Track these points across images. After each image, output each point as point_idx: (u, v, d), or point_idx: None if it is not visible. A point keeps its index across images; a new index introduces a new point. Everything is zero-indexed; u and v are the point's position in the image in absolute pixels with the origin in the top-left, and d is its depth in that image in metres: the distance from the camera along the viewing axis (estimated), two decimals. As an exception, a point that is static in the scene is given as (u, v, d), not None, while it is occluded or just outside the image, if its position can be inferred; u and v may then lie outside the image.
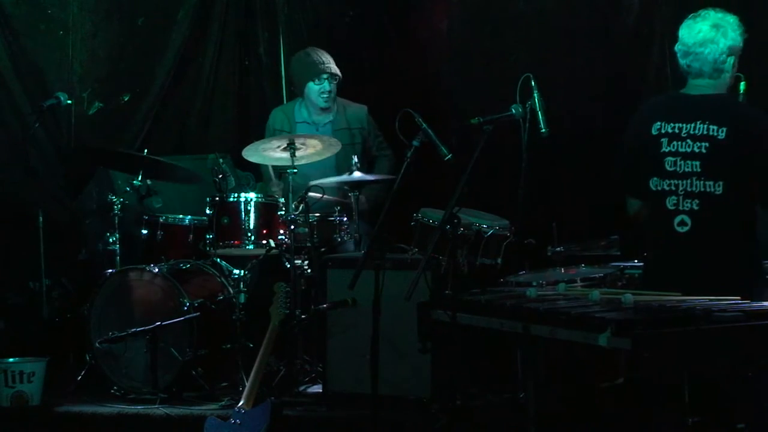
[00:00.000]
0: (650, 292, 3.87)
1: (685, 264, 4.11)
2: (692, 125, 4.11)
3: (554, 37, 6.55)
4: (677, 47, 4.25)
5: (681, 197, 4.09)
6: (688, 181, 4.09)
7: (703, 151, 4.08)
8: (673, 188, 4.11)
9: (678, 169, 4.10)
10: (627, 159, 4.28)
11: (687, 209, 4.09)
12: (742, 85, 4.76)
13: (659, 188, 4.13)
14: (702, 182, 4.08)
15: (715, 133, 4.08)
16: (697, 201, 4.08)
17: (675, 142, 4.11)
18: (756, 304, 3.61)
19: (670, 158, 4.11)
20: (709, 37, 4.16)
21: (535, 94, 4.59)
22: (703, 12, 4.24)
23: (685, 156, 4.10)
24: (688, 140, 4.10)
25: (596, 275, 5.18)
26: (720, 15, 4.22)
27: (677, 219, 4.10)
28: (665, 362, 3.29)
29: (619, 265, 5.29)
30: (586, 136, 6.26)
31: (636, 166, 4.23)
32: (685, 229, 4.09)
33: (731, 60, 4.22)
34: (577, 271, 5.42)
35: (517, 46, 6.61)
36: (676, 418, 3.78)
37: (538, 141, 4.62)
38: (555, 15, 6.55)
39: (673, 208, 4.11)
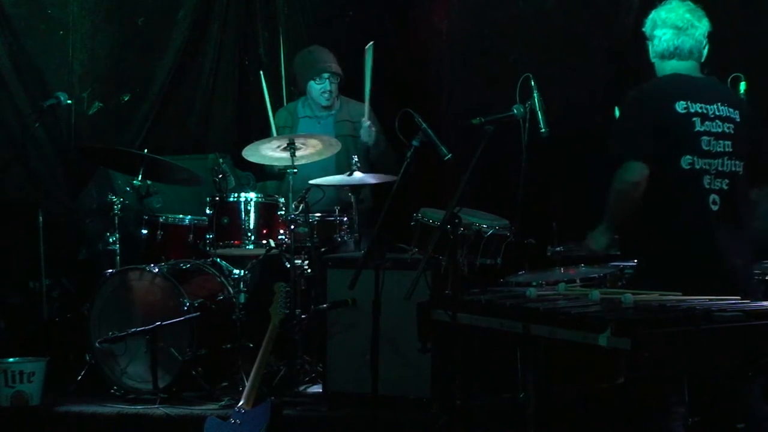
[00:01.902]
0: (650, 292, 3.87)
1: (714, 241, 4.13)
2: (715, 106, 4.18)
3: (554, 37, 6.55)
4: (660, 31, 4.27)
5: (713, 176, 4.14)
6: (719, 160, 4.15)
7: (731, 131, 4.17)
8: (707, 167, 4.14)
9: (712, 148, 4.15)
10: (641, 127, 4.14)
11: (717, 188, 4.14)
12: (742, 85, 4.80)
13: (696, 167, 4.13)
14: (732, 162, 4.16)
15: (734, 115, 4.20)
16: (726, 180, 4.15)
17: (707, 122, 4.16)
18: (756, 304, 3.61)
19: (705, 137, 4.14)
20: (694, 18, 4.26)
21: (535, 94, 4.60)
22: (671, 0, 4.32)
23: (718, 136, 4.16)
24: (717, 121, 4.17)
25: (596, 275, 5.18)
26: (688, 2, 4.31)
27: (710, 198, 4.14)
28: (665, 362, 3.29)
29: (619, 265, 5.29)
30: (586, 136, 6.25)
31: (653, 136, 4.14)
32: (716, 207, 4.14)
33: (707, 45, 4.31)
34: (577, 271, 5.42)
35: (517, 46, 6.61)
36: (676, 418, 3.79)
37: (538, 141, 4.62)
38: (555, 15, 6.55)
39: (708, 186, 4.14)
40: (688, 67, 4.26)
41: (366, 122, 6.15)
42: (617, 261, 5.42)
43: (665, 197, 4.16)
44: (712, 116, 4.16)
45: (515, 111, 4.53)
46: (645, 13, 4.37)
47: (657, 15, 4.31)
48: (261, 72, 6.59)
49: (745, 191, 4.21)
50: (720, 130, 4.16)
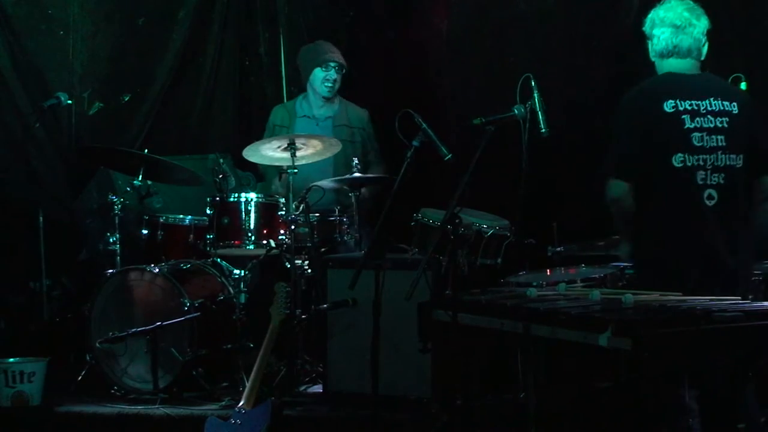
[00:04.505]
0: (650, 292, 3.88)
1: (712, 236, 4.14)
2: (707, 102, 4.18)
3: (554, 37, 6.56)
4: (659, 30, 4.30)
5: (708, 172, 4.14)
6: (714, 155, 4.15)
7: (725, 125, 4.17)
8: (701, 163, 4.14)
9: (705, 144, 4.15)
10: (627, 140, 4.21)
11: (714, 183, 4.14)
12: (743, 85, 4.80)
13: (688, 164, 4.13)
14: (727, 156, 4.16)
15: (730, 108, 4.20)
16: (723, 175, 4.15)
17: (698, 118, 4.16)
18: (756, 304, 3.62)
19: (696, 134, 4.14)
20: (693, 16, 4.28)
21: (536, 95, 4.60)
22: (669, 0, 4.34)
23: (710, 131, 4.16)
24: (709, 116, 4.17)
25: (597, 275, 5.18)
26: (687, 1, 4.33)
27: (705, 193, 4.14)
28: (665, 362, 3.29)
29: (620, 265, 5.29)
30: (586, 136, 6.26)
31: (640, 146, 4.17)
32: (713, 202, 4.14)
33: (706, 43, 4.32)
34: (578, 271, 5.42)
35: (517, 46, 6.61)
36: (676, 418, 3.79)
37: (538, 141, 4.62)
38: (555, 15, 6.55)
39: (701, 182, 4.14)
40: (685, 66, 4.27)
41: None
42: (617, 261, 5.42)
43: (660, 197, 4.17)
44: (704, 112, 4.16)
45: (516, 111, 4.53)
46: (645, 13, 4.39)
47: (656, 14, 4.33)
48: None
49: (745, 185, 4.21)
50: (712, 125, 4.16)
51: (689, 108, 4.16)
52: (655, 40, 4.31)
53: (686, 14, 4.27)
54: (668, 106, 4.16)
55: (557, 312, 3.53)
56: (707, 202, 4.13)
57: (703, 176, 4.13)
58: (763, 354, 3.45)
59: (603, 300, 3.74)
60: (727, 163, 4.15)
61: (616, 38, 6.39)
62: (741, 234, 4.18)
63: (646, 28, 4.36)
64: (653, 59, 4.36)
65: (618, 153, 4.24)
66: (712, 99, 4.19)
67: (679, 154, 4.13)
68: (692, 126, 4.14)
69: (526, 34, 6.61)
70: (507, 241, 5.18)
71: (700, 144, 4.14)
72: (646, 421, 3.97)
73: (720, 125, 4.16)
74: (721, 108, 4.19)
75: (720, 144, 4.15)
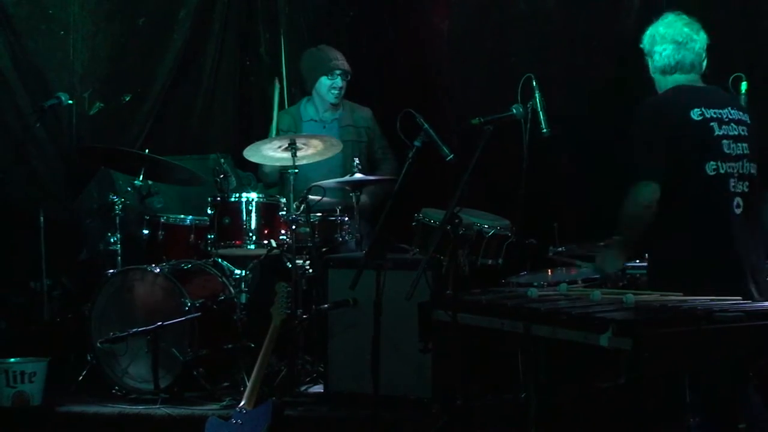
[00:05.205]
0: (651, 292, 3.88)
1: (740, 244, 4.13)
2: (727, 110, 4.18)
3: (554, 38, 6.56)
4: (660, 46, 4.27)
5: (736, 179, 4.14)
6: (740, 163, 4.15)
7: (745, 134, 4.18)
8: (731, 171, 4.13)
9: (732, 152, 4.14)
10: (655, 145, 4.11)
11: (740, 191, 4.14)
12: (744, 85, 4.80)
13: (720, 171, 4.11)
14: (750, 164, 4.17)
15: (744, 118, 4.21)
16: (746, 183, 4.15)
17: (724, 126, 4.15)
18: (757, 304, 3.62)
19: (725, 141, 4.13)
20: (693, 31, 4.27)
21: (537, 95, 4.61)
22: (667, 15, 4.33)
23: (736, 139, 4.16)
24: (732, 124, 4.17)
25: (598, 275, 5.17)
26: (683, 16, 4.32)
27: (735, 201, 4.13)
28: (666, 362, 3.30)
29: (620, 265, 5.28)
30: (586, 136, 6.26)
31: (667, 153, 4.10)
32: (740, 210, 4.13)
33: (706, 58, 4.31)
34: (579, 271, 5.41)
35: (518, 46, 6.61)
36: (676, 418, 3.79)
37: (538, 141, 4.62)
38: (555, 15, 6.55)
39: (733, 190, 4.13)
40: (690, 80, 4.25)
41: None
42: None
43: (691, 204, 4.12)
44: (727, 120, 4.16)
45: (514, 111, 4.53)
46: (645, 14, 4.40)
47: (655, 30, 4.30)
48: (277, 82, 6.58)
49: (760, 194, 4.21)
50: (736, 133, 4.16)
51: (715, 116, 4.14)
52: (656, 57, 4.28)
53: (686, 29, 4.25)
54: (695, 113, 4.13)
55: (558, 312, 3.53)
56: (736, 210, 4.12)
57: (734, 184, 4.13)
58: (764, 354, 3.45)
59: (604, 300, 3.74)
60: (750, 171, 4.16)
61: (616, 38, 6.39)
62: (759, 242, 4.18)
63: (645, 45, 4.33)
64: (653, 75, 4.33)
65: (645, 151, 4.13)
66: (730, 108, 4.19)
67: (712, 162, 4.10)
68: (721, 133, 4.13)
69: (526, 34, 6.61)
70: (508, 241, 5.18)
71: (728, 151, 4.13)
72: (646, 421, 3.97)
73: (742, 133, 4.16)
74: (739, 117, 4.19)
75: (744, 152, 4.15)
